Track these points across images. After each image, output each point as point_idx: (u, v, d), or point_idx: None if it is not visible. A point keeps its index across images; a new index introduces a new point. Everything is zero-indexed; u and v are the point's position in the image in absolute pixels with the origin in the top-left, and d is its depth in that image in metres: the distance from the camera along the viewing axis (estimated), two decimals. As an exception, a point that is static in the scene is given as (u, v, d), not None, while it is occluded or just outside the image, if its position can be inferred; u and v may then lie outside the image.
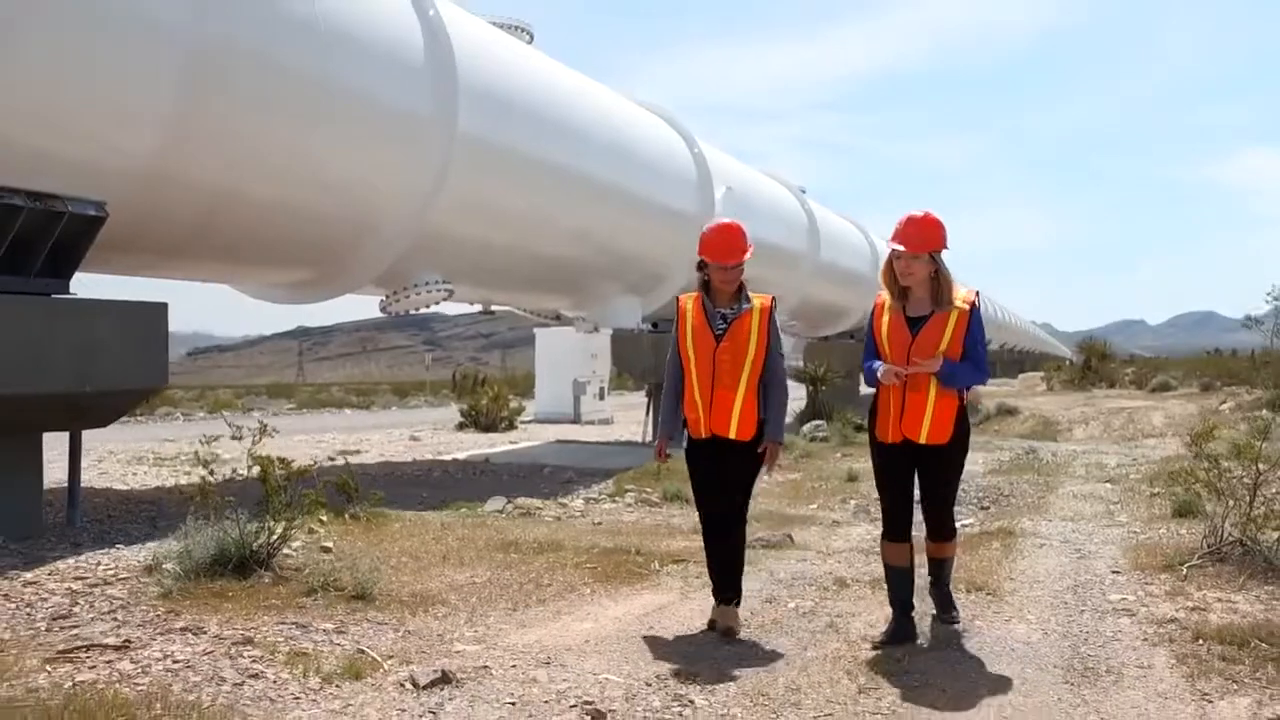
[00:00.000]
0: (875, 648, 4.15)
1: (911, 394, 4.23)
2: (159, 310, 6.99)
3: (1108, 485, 9.68)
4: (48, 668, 3.40)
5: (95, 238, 6.62)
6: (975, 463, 11.75)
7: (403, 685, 3.42)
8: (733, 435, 4.42)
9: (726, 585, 4.48)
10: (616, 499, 9.09)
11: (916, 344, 4.20)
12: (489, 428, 18.12)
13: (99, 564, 5.24)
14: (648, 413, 16.59)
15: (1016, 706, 3.45)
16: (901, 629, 4.25)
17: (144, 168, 6.83)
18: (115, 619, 4.04)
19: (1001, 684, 3.68)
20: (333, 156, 8.17)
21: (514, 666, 3.71)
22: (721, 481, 4.49)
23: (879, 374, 4.23)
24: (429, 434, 16.97)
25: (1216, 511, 5.71)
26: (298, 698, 3.23)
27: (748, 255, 4.48)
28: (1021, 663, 3.93)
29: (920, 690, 3.58)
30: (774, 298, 4.60)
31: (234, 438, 5.33)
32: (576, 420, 20.89)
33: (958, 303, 4.22)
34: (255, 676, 3.39)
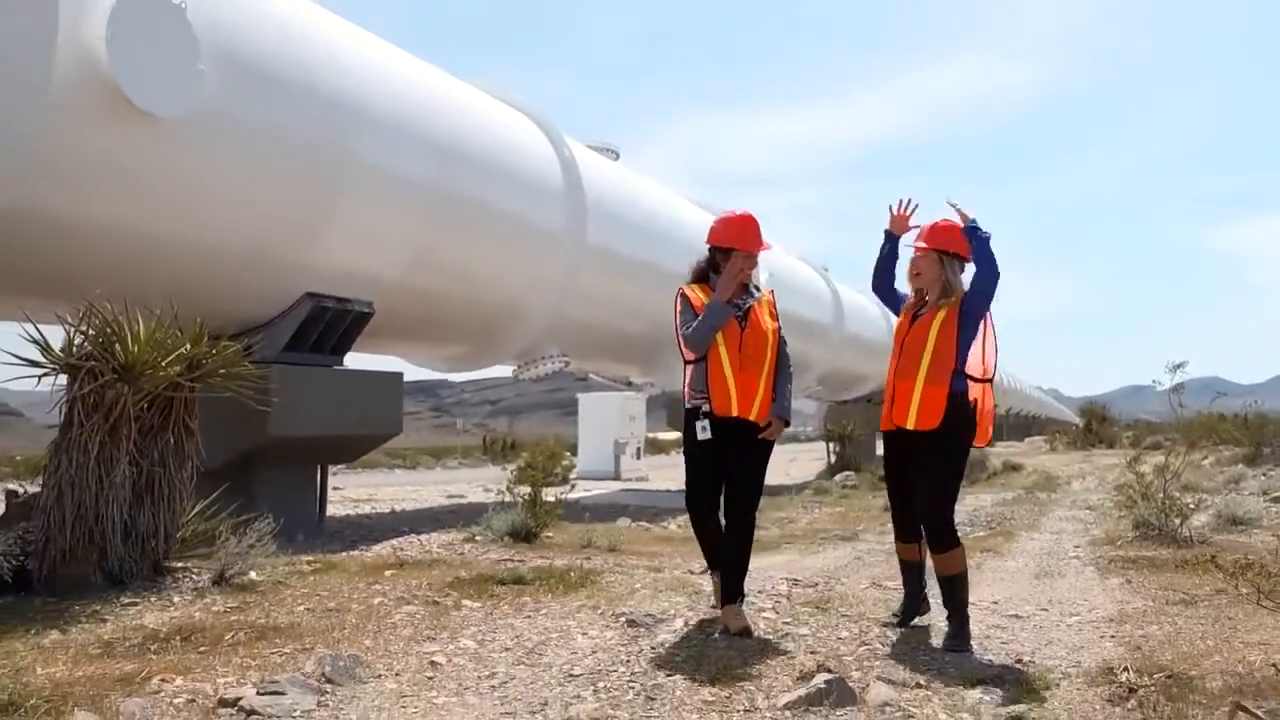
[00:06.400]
0: (884, 625, 5.02)
1: (901, 382, 4.67)
2: (398, 378, 10.56)
3: (1087, 511, 13.20)
4: (501, 564, 6.84)
5: (365, 328, 10.21)
6: (984, 500, 15.30)
7: (685, 571, 6.88)
8: (753, 416, 4.81)
9: (732, 584, 4.89)
10: (702, 525, 12.51)
11: (909, 335, 4.73)
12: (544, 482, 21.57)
13: (419, 540, 8.67)
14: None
15: (1006, 586, 6.94)
16: (910, 607, 5.16)
17: (396, 279, 10.41)
18: (492, 556, 7.49)
19: (999, 581, 7.17)
20: (503, 264, 11.81)
21: (734, 571, 7.17)
22: (732, 466, 4.85)
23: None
24: (496, 486, 20.37)
25: (1143, 509, 9.24)
26: (644, 574, 6.69)
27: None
28: (1010, 574, 7.45)
29: (955, 582, 7.05)
30: (772, 290, 5.11)
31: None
32: (616, 477, 24.19)
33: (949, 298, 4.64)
34: (610, 566, 6.86)
